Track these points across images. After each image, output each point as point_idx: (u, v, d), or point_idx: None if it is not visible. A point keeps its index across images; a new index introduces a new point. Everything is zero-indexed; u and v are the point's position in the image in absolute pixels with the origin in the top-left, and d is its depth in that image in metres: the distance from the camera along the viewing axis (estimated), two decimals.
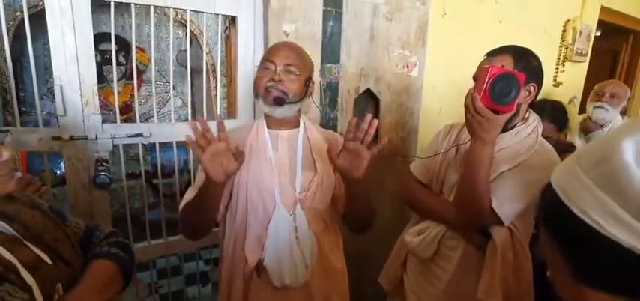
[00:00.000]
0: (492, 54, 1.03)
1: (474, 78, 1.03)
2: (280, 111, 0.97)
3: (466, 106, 0.91)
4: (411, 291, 1.23)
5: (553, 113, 1.57)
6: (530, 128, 1.01)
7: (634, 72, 3.04)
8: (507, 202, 0.95)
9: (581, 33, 2.33)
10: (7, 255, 0.65)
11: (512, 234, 0.99)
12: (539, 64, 1.00)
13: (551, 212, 0.41)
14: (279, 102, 0.95)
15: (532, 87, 0.99)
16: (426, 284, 1.17)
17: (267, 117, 1.02)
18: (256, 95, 0.99)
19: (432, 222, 1.12)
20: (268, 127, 1.01)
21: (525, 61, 0.98)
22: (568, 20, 2.33)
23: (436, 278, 1.13)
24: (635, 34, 2.94)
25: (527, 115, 1.03)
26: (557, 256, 0.40)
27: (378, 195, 1.71)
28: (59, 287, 0.68)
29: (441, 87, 1.85)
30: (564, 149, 1.52)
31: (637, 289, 0.34)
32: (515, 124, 1.01)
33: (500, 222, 0.96)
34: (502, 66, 0.93)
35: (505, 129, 0.98)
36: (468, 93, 0.92)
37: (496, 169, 0.97)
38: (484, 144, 0.91)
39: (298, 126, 1.04)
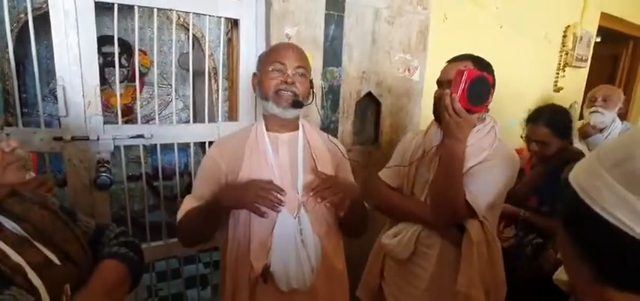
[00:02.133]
0: (454, 60, 1.11)
1: (439, 82, 1.11)
2: (292, 113, 0.98)
3: (445, 107, 0.98)
4: (391, 296, 1.24)
5: (552, 118, 1.46)
6: (488, 127, 1.10)
7: (634, 77, 3.05)
8: (480, 194, 1.03)
9: (581, 38, 2.35)
10: (15, 257, 0.65)
11: (483, 227, 1.05)
12: (493, 71, 1.09)
13: (571, 212, 0.40)
14: (297, 105, 0.96)
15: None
16: (406, 285, 1.18)
17: (266, 119, 1.01)
18: (265, 97, 0.97)
19: (407, 223, 1.16)
20: (267, 130, 1.00)
21: (484, 67, 1.05)
22: (568, 26, 2.34)
23: (416, 278, 1.15)
24: (635, 39, 2.96)
25: (483, 116, 1.12)
26: (578, 257, 0.39)
27: None
28: (67, 288, 0.67)
29: None
30: (574, 158, 1.21)
31: None
32: (475, 124, 1.09)
33: (473, 215, 1.03)
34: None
35: None
36: (444, 95, 0.99)
37: (464, 165, 1.04)
38: (459, 142, 1.00)
39: (297, 129, 1.03)
